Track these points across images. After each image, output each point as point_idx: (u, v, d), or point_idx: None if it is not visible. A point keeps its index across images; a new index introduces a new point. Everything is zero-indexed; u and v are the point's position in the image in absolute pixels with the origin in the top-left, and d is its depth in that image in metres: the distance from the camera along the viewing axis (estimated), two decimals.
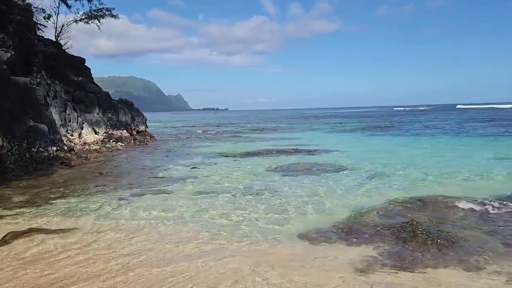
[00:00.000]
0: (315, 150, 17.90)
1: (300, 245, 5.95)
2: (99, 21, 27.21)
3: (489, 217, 7.00)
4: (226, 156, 16.68)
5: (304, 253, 5.61)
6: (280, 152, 17.52)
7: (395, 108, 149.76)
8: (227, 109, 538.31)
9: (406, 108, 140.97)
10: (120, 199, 8.97)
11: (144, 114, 27.45)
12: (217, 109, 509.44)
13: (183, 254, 5.55)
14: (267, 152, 17.45)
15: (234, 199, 8.86)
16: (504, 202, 7.88)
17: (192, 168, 13.41)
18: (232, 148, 20.43)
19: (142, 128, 26.09)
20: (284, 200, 8.67)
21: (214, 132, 35.98)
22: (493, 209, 7.40)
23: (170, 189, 9.89)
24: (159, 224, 6.98)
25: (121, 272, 4.90)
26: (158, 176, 12.00)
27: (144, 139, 24.42)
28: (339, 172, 12.12)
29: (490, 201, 8.01)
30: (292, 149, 18.48)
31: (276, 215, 7.51)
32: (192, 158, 16.30)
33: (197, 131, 37.03)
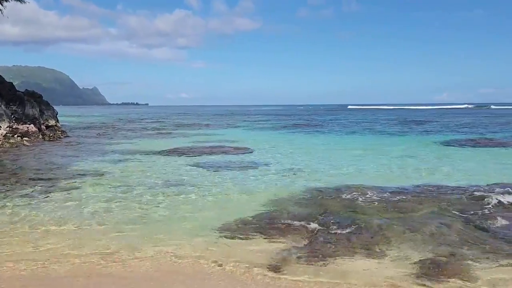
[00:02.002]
0: (235, 147, 18.04)
1: (216, 239, 5.96)
2: (1, 5, 24.65)
3: (394, 205, 7.58)
4: (144, 152, 16.14)
5: (220, 247, 5.63)
6: (200, 148, 17.40)
7: (299, 108, 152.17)
8: (147, 104, 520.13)
9: (310, 107, 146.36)
10: (21, 196, 8.28)
11: (55, 108, 25.53)
12: (137, 103, 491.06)
13: (85, 253, 5.27)
14: (187, 149, 17.23)
15: (149, 194, 8.62)
16: (407, 192, 8.63)
17: (106, 164, 12.77)
18: (150, 144, 19.84)
19: (52, 122, 24.22)
20: (202, 195, 8.67)
21: (133, 127, 34.62)
22: (397, 199, 8.04)
23: (78, 187, 9.36)
24: (66, 222, 6.56)
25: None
26: (66, 173, 11.21)
27: (55, 134, 22.72)
28: (258, 167, 12.35)
29: (395, 191, 8.73)
30: (213, 145, 18.46)
31: (193, 210, 7.48)
32: (107, 155, 15.52)
33: (115, 127, 35.35)
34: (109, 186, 9.52)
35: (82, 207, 7.65)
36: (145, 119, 53.55)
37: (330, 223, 6.38)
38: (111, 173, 11.20)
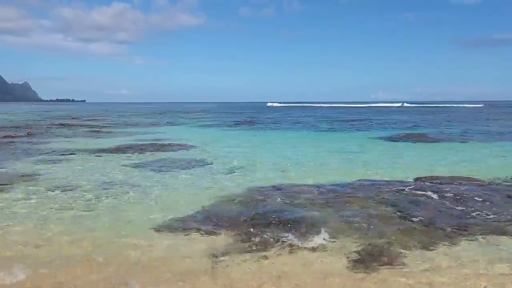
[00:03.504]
0: (178, 145, 17.78)
1: (157, 236, 5.94)
2: None
3: (331, 200, 7.86)
4: (80, 152, 15.43)
5: (161, 243, 5.63)
6: (141, 147, 16.94)
7: (233, 105, 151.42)
8: (84, 100, 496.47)
9: (224, 104, 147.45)
10: None
11: None
12: (73, 100, 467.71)
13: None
14: (127, 148, 16.70)
15: (85, 196, 8.30)
16: (343, 187, 9.01)
17: (38, 165, 12.07)
18: (88, 143, 19.00)
19: None
20: (142, 194, 8.51)
21: (68, 125, 32.89)
22: (334, 193, 8.36)
23: (6, 190, 8.78)
24: None
25: None
26: None
27: None
28: (199, 165, 12.28)
29: (332, 186, 9.08)
30: (155, 144, 18.06)
31: (132, 209, 7.36)
32: (40, 155, 14.64)
33: (48, 125, 33.40)
34: (42, 188, 9.02)
35: (11, 211, 7.18)
36: (82, 116, 51.09)
37: (270, 219, 6.51)
38: (44, 175, 10.60)
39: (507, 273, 4.71)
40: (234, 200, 7.97)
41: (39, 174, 10.56)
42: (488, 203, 7.67)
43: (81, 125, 33.05)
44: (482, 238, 5.87)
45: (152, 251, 5.39)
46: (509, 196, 8.16)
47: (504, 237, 5.91)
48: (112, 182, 9.68)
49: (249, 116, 49.30)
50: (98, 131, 26.84)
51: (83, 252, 5.33)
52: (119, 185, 9.29)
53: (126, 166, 12.15)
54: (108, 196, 8.29)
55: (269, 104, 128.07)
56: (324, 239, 5.84)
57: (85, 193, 8.55)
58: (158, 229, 6.26)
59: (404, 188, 8.85)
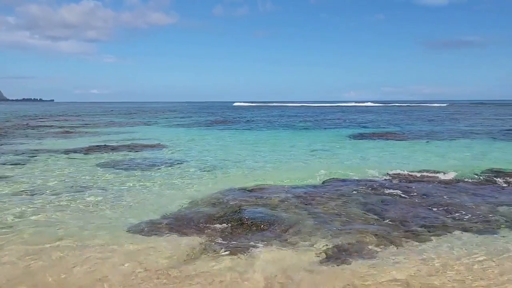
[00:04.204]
0: (150, 145, 17.57)
1: (128, 238, 5.88)
2: None
3: (304, 200, 7.95)
4: (49, 153, 14.99)
5: (132, 245, 5.59)
6: (112, 147, 16.63)
7: (202, 103, 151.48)
8: (53, 100, 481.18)
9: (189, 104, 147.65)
10: None
11: None
12: (41, 100, 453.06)
13: None
14: (98, 148, 16.38)
15: (54, 198, 8.09)
16: (315, 187, 9.14)
17: (4, 166, 11.66)
18: (56, 144, 18.47)
19: None
20: (112, 196, 8.36)
21: (36, 126, 31.87)
22: (307, 194, 8.45)
23: None
24: None
25: None
26: None
27: None
28: (172, 166, 12.17)
29: (305, 186, 9.20)
30: (127, 144, 17.77)
31: (101, 212, 7.24)
32: (5, 156, 14.14)
33: (14, 125, 32.26)
34: (6, 191, 8.72)
35: None
36: (51, 116, 49.59)
37: (244, 220, 6.53)
38: (10, 176, 10.26)
39: (471, 269, 4.90)
40: (207, 201, 7.94)
41: (3, 177, 10.19)
42: (455, 200, 7.95)
43: (49, 126, 32.09)
44: (449, 234, 6.08)
45: (120, 254, 5.29)
46: (474, 194, 8.49)
47: (469, 233, 6.14)
48: (81, 184, 9.47)
49: (221, 115, 49.17)
50: (67, 132, 26.11)
51: (50, 258, 5.19)
52: (88, 187, 9.09)
53: (97, 167, 11.90)
54: (76, 199, 8.09)
55: (236, 103, 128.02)
56: (297, 238, 5.90)
57: (53, 196, 8.32)
58: (128, 231, 6.16)
59: (374, 186, 9.05)
